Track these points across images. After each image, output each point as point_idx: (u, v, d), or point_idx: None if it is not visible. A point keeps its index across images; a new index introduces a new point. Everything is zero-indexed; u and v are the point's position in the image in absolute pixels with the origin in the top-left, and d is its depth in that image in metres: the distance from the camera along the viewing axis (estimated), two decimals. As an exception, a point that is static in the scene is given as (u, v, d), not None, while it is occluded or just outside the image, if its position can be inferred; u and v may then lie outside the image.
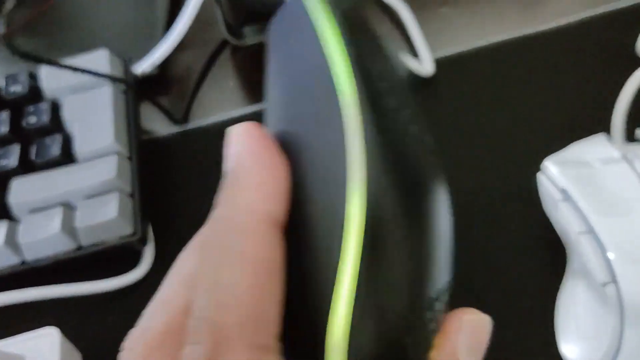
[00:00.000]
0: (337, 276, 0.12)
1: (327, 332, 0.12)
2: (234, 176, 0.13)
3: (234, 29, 0.37)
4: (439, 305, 0.14)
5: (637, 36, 0.33)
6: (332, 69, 0.13)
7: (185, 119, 0.35)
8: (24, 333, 0.25)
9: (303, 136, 0.14)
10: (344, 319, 0.12)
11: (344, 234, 0.12)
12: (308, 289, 0.13)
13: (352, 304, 0.12)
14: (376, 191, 0.12)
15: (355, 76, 0.13)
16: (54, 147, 0.29)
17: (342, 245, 0.12)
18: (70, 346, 0.26)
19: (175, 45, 0.35)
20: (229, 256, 0.12)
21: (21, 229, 0.28)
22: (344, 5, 0.14)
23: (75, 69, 0.31)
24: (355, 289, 0.12)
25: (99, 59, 0.32)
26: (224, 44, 0.38)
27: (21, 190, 0.29)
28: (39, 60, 0.30)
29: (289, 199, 0.13)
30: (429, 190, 0.14)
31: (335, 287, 0.12)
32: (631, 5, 0.35)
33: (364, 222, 0.12)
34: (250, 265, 0.12)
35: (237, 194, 0.13)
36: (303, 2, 0.15)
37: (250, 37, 0.37)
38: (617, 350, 0.23)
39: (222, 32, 0.37)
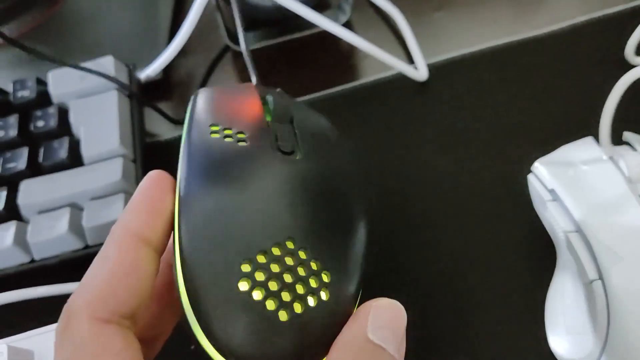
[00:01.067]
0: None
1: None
2: (129, 202, 0.18)
3: (235, 36, 0.38)
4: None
5: (625, 42, 0.33)
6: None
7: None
8: (33, 329, 0.26)
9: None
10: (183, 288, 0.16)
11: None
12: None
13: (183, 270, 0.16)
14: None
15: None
16: (62, 150, 0.30)
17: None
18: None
19: (178, 51, 0.35)
20: (100, 256, 0.17)
21: (30, 229, 0.29)
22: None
23: (88, 70, 0.32)
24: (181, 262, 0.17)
25: (104, 65, 0.33)
26: (225, 49, 0.39)
27: (30, 192, 0.30)
28: (52, 60, 0.31)
29: (167, 227, 0.18)
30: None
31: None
32: (620, 12, 0.36)
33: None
34: (108, 264, 0.16)
35: (122, 214, 0.18)
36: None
37: (250, 43, 0.38)
38: (604, 346, 0.24)
39: (224, 38, 0.38)
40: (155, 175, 0.18)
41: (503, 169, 0.31)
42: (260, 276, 0.16)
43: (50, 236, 0.28)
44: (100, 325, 0.15)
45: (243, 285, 0.16)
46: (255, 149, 0.19)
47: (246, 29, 0.37)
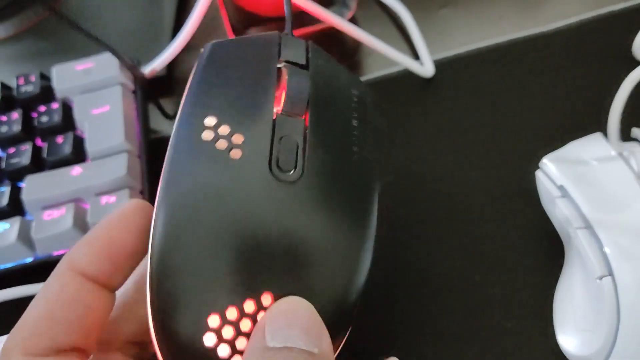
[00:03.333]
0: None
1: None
2: (86, 235, 0.17)
3: (239, 32, 0.38)
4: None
5: (633, 38, 0.33)
6: None
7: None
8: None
9: None
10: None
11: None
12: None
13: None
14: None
15: None
16: (66, 146, 0.30)
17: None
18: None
19: (182, 48, 0.35)
20: (41, 290, 0.17)
21: (34, 225, 0.29)
22: None
23: (107, 47, 0.32)
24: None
25: (109, 61, 0.33)
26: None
27: (34, 188, 0.29)
28: (81, 30, 0.31)
29: (109, 262, 0.17)
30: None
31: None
32: (627, 8, 0.36)
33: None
34: (46, 299, 0.16)
35: (71, 248, 0.17)
36: None
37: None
38: (613, 342, 0.24)
39: (227, 35, 0.38)
40: (128, 209, 0.17)
41: (510, 165, 0.31)
42: (227, 333, 0.15)
43: (55, 232, 0.28)
44: None
45: (208, 340, 0.15)
46: (248, 164, 0.16)
47: (251, 25, 0.37)
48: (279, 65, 0.19)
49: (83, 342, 0.16)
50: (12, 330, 0.16)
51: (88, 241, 0.17)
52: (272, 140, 0.17)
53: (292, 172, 0.17)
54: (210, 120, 0.17)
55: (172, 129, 0.17)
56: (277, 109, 0.18)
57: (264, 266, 0.15)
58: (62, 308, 0.16)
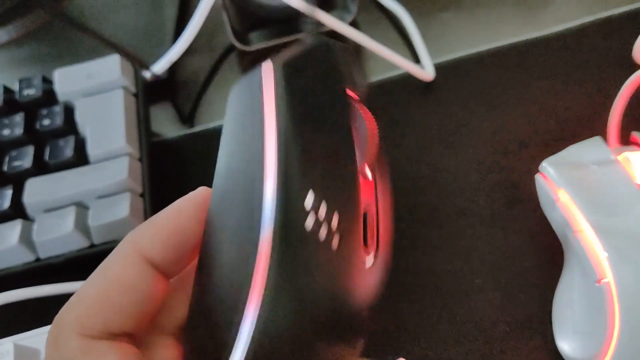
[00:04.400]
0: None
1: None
2: (156, 215, 0.17)
3: (241, 35, 0.38)
4: None
5: (632, 42, 0.33)
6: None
7: (191, 120, 0.36)
8: (39, 328, 0.26)
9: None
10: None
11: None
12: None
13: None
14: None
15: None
16: (67, 149, 0.30)
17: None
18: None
19: (184, 51, 0.35)
20: (101, 267, 0.16)
21: (36, 228, 0.29)
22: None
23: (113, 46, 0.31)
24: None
25: (111, 64, 0.33)
26: (230, 49, 0.39)
27: (35, 191, 0.30)
28: (90, 32, 0.31)
29: (174, 251, 0.16)
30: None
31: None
32: (627, 13, 0.36)
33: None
34: (105, 278, 0.16)
35: (139, 227, 0.16)
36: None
37: (255, 42, 0.38)
38: (612, 346, 0.24)
39: (229, 38, 0.38)
40: (199, 196, 0.16)
41: (511, 168, 0.31)
42: None
43: (56, 235, 0.28)
44: (89, 342, 0.15)
45: None
46: (347, 255, 0.13)
47: (253, 28, 0.37)
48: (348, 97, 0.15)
49: (136, 328, 0.16)
50: (67, 305, 0.16)
51: (156, 226, 0.16)
52: (363, 217, 0.14)
53: (372, 253, 0.14)
54: (309, 199, 0.13)
55: (267, 200, 0.13)
56: (359, 167, 0.14)
57: None
58: (120, 292, 0.15)
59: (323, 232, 0.13)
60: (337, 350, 0.14)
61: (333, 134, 0.14)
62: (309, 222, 0.13)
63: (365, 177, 0.14)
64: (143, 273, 0.16)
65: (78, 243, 0.29)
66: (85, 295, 0.16)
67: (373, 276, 0.14)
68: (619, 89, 0.28)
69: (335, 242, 0.13)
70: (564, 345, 0.26)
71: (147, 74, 0.35)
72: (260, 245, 0.13)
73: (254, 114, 0.14)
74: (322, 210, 0.13)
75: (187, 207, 0.16)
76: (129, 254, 0.16)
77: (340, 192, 0.13)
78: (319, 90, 0.15)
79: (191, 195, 0.17)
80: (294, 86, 0.14)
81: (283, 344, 0.12)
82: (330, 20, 0.33)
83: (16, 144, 0.31)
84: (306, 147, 0.13)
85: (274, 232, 0.12)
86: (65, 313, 0.16)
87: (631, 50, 0.33)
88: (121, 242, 0.16)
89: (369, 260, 0.14)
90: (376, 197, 0.14)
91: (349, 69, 0.16)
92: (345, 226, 0.14)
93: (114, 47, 0.32)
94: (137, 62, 0.33)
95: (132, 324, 0.16)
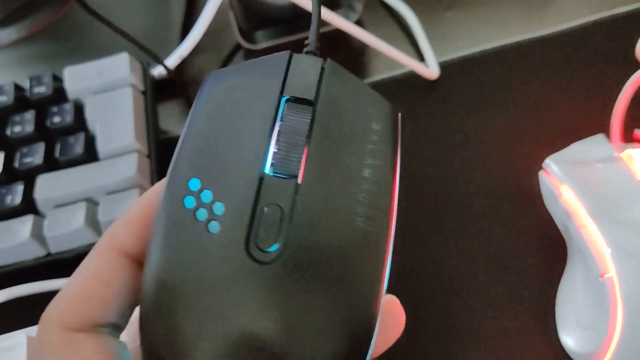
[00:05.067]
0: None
1: None
2: (124, 213, 0.17)
3: (247, 34, 0.38)
4: None
5: (636, 41, 0.34)
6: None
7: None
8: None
9: None
10: None
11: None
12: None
13: None
14: None
15: None
16: (77, 146, 0.31)
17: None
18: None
19: (191, 49, 0.36)
20: (81, 265, 0.17)
21: (46, 223, 0.29)
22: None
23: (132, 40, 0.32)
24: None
25: (120, 62, 0.34)
26: (237, 47, 0.40)
27: (46, 187, 0.30)
28: (105, 21, 0.31)
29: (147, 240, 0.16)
30: None
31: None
32: (630, 11, 0.36)
33: None
34: (85, 274, 0.16)
35: (113, 224, 0.17)
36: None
37: (262, 41, 0.38)
38: (614, 340, 0.24)
39: (236, 37, 0.39)
40: (154, 191, 0.17)
41: (514, 166, 0.31)
42: None
43: (67, 230, 0.29)
44: (70, 334, 0.16)
45: None
46: (224, 241, 0.15)
47: (259, 27, 0.37)
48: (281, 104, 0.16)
49: (119, 318, 0.17)
50: (51, 303, 0.16)
51: (128, 219, 0.17)
52: (254, 210, 0.15)
53: (273, 249, 0.15)
54: (194, 183, 0.15)
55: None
56: (267, 168, 0.15)
57: None
58: (99, 284, 0.16)
59: (202, 214, 0.15)
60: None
61: (238, 136, 0.16)
62: (189, 201, 0.15)
63: (280, 175, 0.16)
64: (121, 265, 0.16)
65: (88, 238, 0.29)
66: (67, 291, 0.16)
67: (267, 274, 0.14)
68: (622, 87, 0.29)
69: (214, 227, 0.15)
70: (567, 339, 0.26)
71: (159, 69, 0.35)
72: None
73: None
74: (206, 195, 0.15)
75: (154, 197, 0.17)
76: (106, 249, 0.17)
77: (229, 185, 0.15)
78: (239, 101, 0.16)
79: (157, 185, 0.17)
80: (214, 94, 0.17)
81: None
82: (335, 19, 0.33)
83: (27, 141, 0.32)
84: (203, 144, 0.16)
85: (164, 191, 0.15)
86: (50, 309, 0.16)
87: (634, 48, 0.34)
88: (98, 241, 0.17)
89: (262, 255, 0.15)
90: (294, 198, 0.15)
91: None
92: (229, 219, 0.15)
93: (129, 38, 0.32)
94: (152, 56, 0.34)
95: (116, 314, 0.16)
